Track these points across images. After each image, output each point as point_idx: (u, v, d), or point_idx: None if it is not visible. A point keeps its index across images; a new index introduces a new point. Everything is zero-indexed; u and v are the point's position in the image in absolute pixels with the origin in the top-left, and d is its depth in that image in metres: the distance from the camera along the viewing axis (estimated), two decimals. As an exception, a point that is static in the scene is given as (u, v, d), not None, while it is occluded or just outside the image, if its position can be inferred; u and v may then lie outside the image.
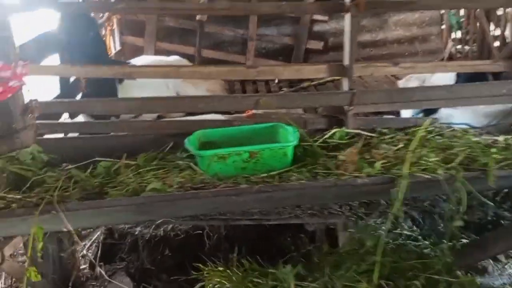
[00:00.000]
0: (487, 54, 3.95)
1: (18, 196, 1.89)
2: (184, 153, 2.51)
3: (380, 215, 2.32)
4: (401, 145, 2.43)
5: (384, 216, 2.39)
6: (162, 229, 3.06)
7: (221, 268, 2.51)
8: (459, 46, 4.62)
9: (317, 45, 4.86)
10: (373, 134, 2.61)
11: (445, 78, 3.54)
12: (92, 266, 2.90)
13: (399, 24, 5.02)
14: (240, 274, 2.44)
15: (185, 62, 4.35)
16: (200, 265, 2.56)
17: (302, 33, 4.80)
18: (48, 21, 3.02)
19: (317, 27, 4.91)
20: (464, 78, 3.32)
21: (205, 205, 2.01)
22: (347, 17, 2.43)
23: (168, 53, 4.52)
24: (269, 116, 2.77)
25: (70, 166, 2.15)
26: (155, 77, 2.93)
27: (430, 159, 2.19)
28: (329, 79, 4.32)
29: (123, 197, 1.94)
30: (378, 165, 2.08)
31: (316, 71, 2.62)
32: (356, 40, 2.51)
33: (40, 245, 1.68)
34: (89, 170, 2.25)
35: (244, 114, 2.91)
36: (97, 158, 2.26)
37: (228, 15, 4.61)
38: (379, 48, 5.01)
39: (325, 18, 4.83)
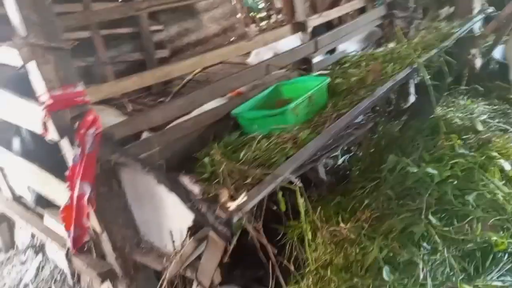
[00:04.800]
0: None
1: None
2: (235, 134, 2.62)
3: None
4: (364, 63, 3.31)
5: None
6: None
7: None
8: (264, 22, 5.80)
9: (163, 53, 5.10)
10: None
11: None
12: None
13: (211, 21, 5.78)
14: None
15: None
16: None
17: (149, 45, 4.93)
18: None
19: (155, 38, 5.11)
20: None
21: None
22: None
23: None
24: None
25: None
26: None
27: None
28: (189, 78, 4.74)
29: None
30: (390, 67, 2.89)
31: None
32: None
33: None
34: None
35: (232, 93, 3.11)
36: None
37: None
38: (205, 44, 5.64)
39: (161, 27, 5.12)
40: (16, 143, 2.77)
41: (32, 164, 2.42)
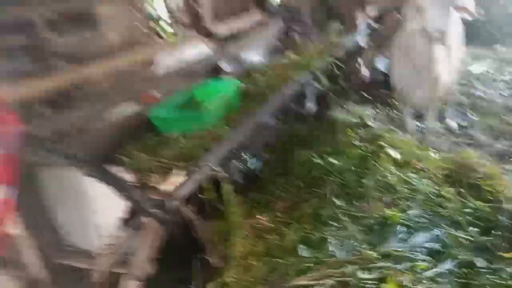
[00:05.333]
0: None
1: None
2: (152, 135, 2.69)
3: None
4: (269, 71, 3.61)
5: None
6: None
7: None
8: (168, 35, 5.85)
9: (61, 63, 4.89)
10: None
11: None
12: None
13: (113, 31, 5.68)
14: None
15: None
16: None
17: (45, 55, 4.70)
18: None
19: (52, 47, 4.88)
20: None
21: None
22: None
23: None
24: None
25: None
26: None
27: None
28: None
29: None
30: (292, 73, 3.21)
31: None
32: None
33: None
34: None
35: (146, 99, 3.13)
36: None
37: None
38: (106, 56, 5.51)
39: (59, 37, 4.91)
40: None
41: None
